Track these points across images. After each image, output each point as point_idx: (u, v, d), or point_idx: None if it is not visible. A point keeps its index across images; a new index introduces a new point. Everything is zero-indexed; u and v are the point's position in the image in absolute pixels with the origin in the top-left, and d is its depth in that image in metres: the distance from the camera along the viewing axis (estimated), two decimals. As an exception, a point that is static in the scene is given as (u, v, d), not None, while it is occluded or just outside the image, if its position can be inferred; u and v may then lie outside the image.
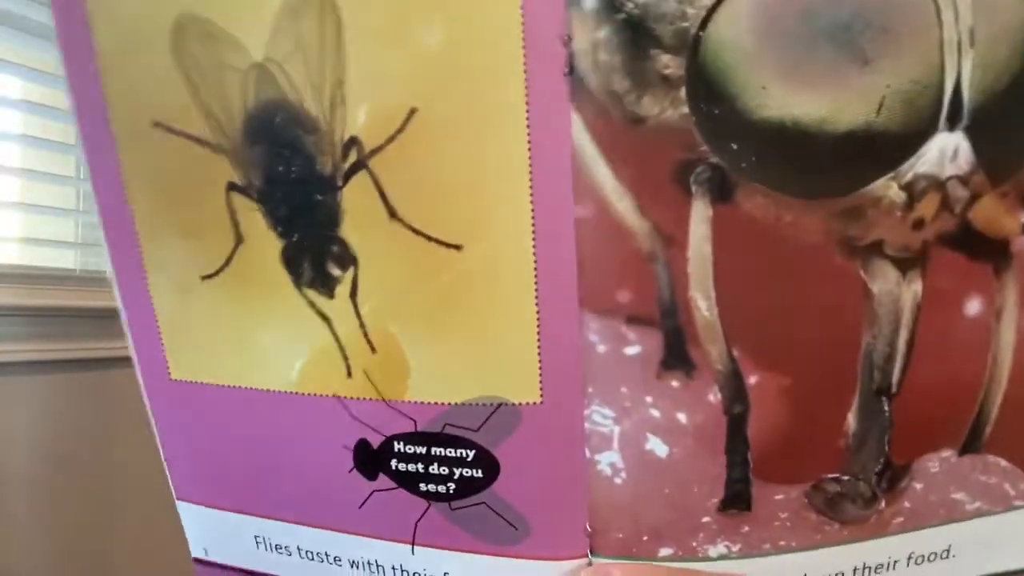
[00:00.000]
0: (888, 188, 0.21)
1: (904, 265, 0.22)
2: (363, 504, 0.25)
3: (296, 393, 0.24)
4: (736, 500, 0.23)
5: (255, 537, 0.28)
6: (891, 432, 0.23)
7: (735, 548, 0.23)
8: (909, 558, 0.25)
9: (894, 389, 0.22)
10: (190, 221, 0.24)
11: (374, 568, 0.26)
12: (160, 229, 0.24)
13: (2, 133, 0.89)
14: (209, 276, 0.24)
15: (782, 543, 0.23)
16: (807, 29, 0.20)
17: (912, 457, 0.24)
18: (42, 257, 0.99)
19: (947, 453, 0.24)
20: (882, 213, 0.21)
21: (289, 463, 0.26)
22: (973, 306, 0.23)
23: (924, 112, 0.20)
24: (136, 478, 1.03)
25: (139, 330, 0.26)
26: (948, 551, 0.25)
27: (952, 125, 0.20)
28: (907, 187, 0.21)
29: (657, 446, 0.22)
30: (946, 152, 0.21)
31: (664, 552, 0.23)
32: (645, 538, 0.23)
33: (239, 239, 0.23)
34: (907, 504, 0.24)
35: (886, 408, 0.23)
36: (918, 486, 0.24)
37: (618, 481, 0.23)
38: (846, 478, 0.23)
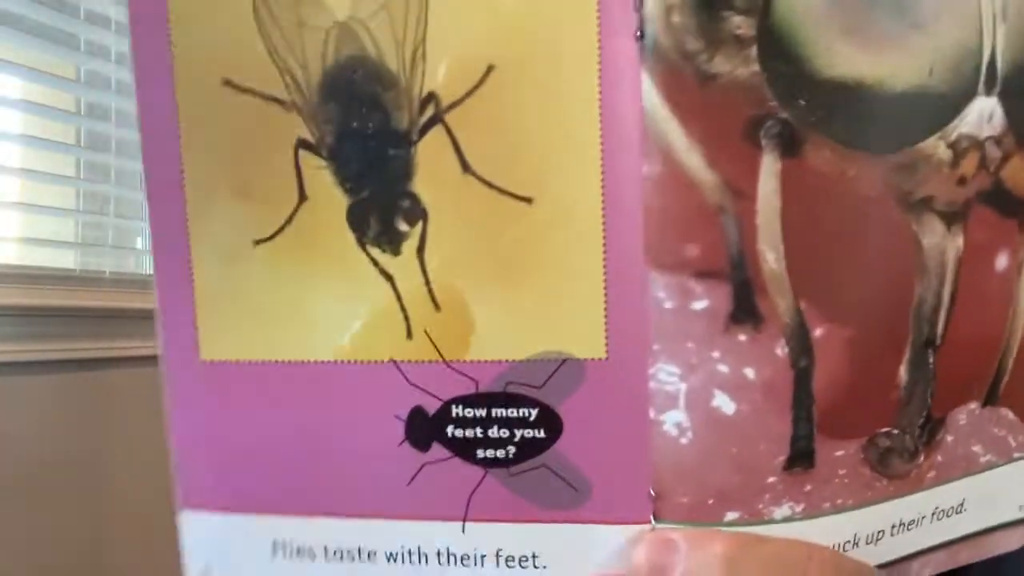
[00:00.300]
0: (937, 146, 0.22)
1: (949, 220, 0.23)
2: (411, 480, 0.24)
3: (347, 362, 0.24)
4: (801, 458, 0.23)
5: (274, 542, 0.26)
6: (934, 385, 0.23)
7: (798, 509, 0.23)
8: (933, 513, 0.25)
9: (938, 341, 0.23)
10: (249, 182, 0.24)
11: (416, 557, 0.25)
12: (213, 193, 0.24)
13: (2, 133, 0.87)
14: (264, 240, 0.24)
15: (839, 501, 0.23)
16: (867, -5, 0.21)
17: (947, 410, 0.24)
18: (42, 257, 0.95)
19: (973, 406, 0.25)
20: (932, 169, 0.22)
21: (329, 444, 0.25)
22: (1002, 261, 0.24)
23: (967, 76, 0.22)
24: (135, 478, 0.98)
25: (171, 308, 0.25)
26: (962, 505, 0.26)
27: (989, 90, 0.22)
28: (952, 145, 0.22)
29: (724, 403, 0.22)
30: (984, 114, 0.22)
31: (730, 516, 0.23)
32: (711, 501, 0.23)
33: (303, 197, 0.23)
34: (939, 458, 0.25)
35: (931, 360, 0.23)
36: (949, 439, 0.25)
37: (684, 441, 0.23)
38: (896, 432, 0.23)
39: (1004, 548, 0.28)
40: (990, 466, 0.26)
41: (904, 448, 0.24)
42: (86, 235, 0.99)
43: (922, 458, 0.24)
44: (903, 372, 0.24)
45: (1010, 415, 0.26)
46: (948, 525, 0.26)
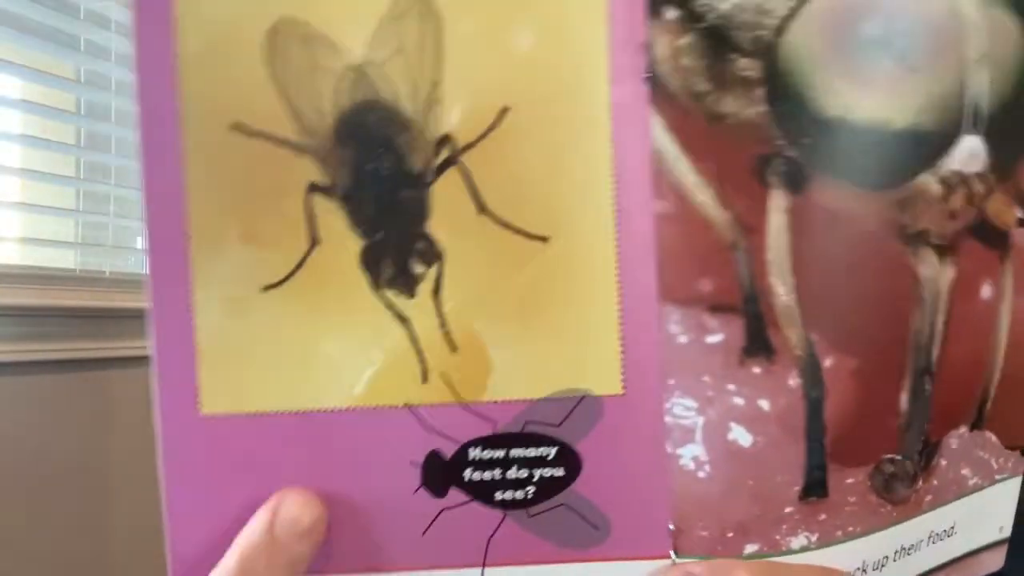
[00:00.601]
0: (929, 182, 0.23)
1: (942, 252, 0.24)
2: (428, 528, 0.23)
3: (360, 408, 0.23)
4: (815, 487, 0.23)
5: None
6: (930, 411, 0.24)
7: (814, 538, 0.23)
8: (929, 537, 0.26)
9: (933, 369, 0.24)
10: (258, 226, 0.23)
11: None
12: (218, 238, 0.23)
13: (2, 133, 0.83)
14: (272, 285, 0.23)
15: (850, 529, 0.24)
16: (866, 39, 0.22)
17: (942, 435, 0.25)
18: (42, 257, 0.91)
19: (963, 430, 0.25)
20: (926, 204, 0.23)
21: (341, 497, 0.24)
22: (986, 290, 0.25)
23: (955, 115, 0.23)
24: (135, 478, 0.94)
25: (169, 359, 0.24)
26: (953, 528, 0.26)
27: (975, 128, 0.23)
28: (943, 181, 0.23)
29: (741, 435, 0.23)
30: (970, 152, 0.23)
31: (749, 548, 0.23)
32: (730, 534, 0.23)
33: (314, 241, 0.23)
34: (935, 482, 0.25)
35: (927, 388, 0.24)
36: (943, 463, 0.25)
37: (701, 475, 0.23)
38: (899, 458, 0.24)
39: (988, 569, 0.29)
40: (976, 488, 0.27)
41: (906, 473, 0.24)
42: (86, 235, 0.96)
43: (920, 482, 0.25)
44: (903, 399, 0.24)
45: (993, 438, 0.27)
46: (941, 548, 0.27)
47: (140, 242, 1.05)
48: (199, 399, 0.24)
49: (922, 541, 0.26)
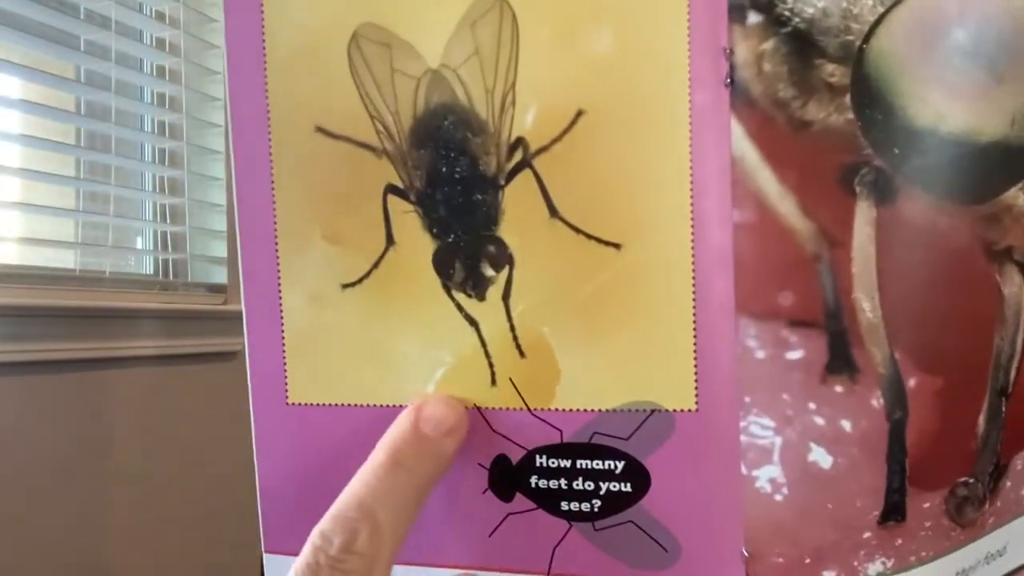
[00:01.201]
0: (1018, 197, 0.21)
1: None
2: (494, 531, 0.23)
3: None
4: (894, 511, 0.21)
5: None
6: (1003, 432, 0.22)
7: (889, 564, 0.22)
8: (985, 558, 0.24)
9: (1010, 389, 0.22)
10: (339, 226, 0.23)
11: None
12: (303, 237, 0.24)
13: (2, 133, 0.87)
14: (351, 284, 0.23)
15: (923, 553, 0.22)
16: (955, 47, 0.21)
17: (1011, 456, 0.23)
18: (42, 257, 0.94)
19: None
20: (1013, 220, 0.22)
21: None
22: None
23: None
24: (135, 478, 0.96)
25: (261, 353, 0.25)
26: (1004, 548, 0.25)
27: None
28: None
29: (821, 457, 0.21)
30: None
31: (826, 575, 0.21)
32: (807, 560, 0.21)
33: (390, 242, 0.23)
34: (999, 503, 0.23)
35: (1003, 408, 0.22)
36: (1008, 484, 0.23)
37: (778, 498, 0.21)
38: (972, 480, 0.22)
39: None
40: None
41: (976, 496, 0.23)
42: (86, 235, 0.98)
43: (987, 505, 0.23)
44: (981, 421, 0.23)
45: None
46: (994, 568, 0.25)
47: (140, 242, 1.07)
48: (287, 389, 0.24)
49: (980, 562, 0.24)
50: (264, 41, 0.23)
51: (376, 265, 0.23)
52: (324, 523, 0.21)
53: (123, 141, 1.01)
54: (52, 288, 0.89)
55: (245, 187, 0.24)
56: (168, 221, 1.08)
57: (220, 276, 1.13)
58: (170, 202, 1.07)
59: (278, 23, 0.23)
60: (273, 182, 0.23)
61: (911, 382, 0.21)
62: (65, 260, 0.97)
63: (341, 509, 0.21)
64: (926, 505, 0.22)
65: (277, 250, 0.24)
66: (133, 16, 1.00)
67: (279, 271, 0.24)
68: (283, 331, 0.24)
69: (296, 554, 0.24)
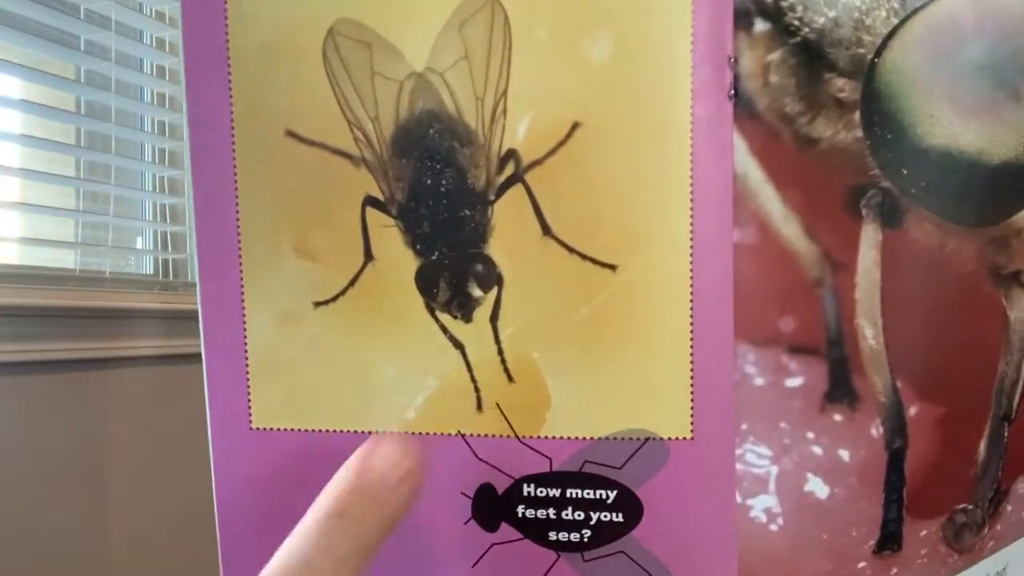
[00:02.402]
0: None
1: None
2: (477, 562, 0.21)
3: (413, 434, 0.21)
4: (890, 540, 0.21)
5: None
6: (1005, 458, 0.22)
7: (887, 596, 0.21)
8: None
9: (1013, 415, 0.21)
10: (311, 239, 0.21)
11: None
12: (271, 250, 0.21)
13: (2, 133, 0.82)
14: (324, 302, 0.21)
15: (921, 585, 0.21)
16: (970, 63, 0.19)
17: (1012, 481, 0.23)
18: (42, 257, 0.90)
19: None
20: (1022, 243, 0.20)
21: None
22: None
23: None
24: (134, 479, 0.94)
25: (220, 373, 0.22)
26: (1004, 570, 0.24)
27: None
28: None
29: (818, 487, 0.20)
30: None
31: (819, 605, 0.20)
32: (800, 590, 0.20)
33: (368, 258, 0.21)
34: (999, 527, 0.23)
35: (1005, 434, 0.21)
36: (1008, 508, 0.23)
37: (774, 528, 0.20)
38: (971, 507, 0.21)
39: None
40: None
41: (975, 522, 0.22)
42: (86, 235, 0.94)
43: (987, 530, 0.22)
44: (982, 447, 0.22)
45: None
46: None
47: (140, 242, 1.03)
48: (251, 414, 0.22)
49: None
50: (227, 33, 0.21)
51: (353, 282, 0.21)
52: None
53: (123, 141, 0.97)
54: (52, 288, 0.85)
55: (204, 195, 0.21)
56: (168, 221, 1.04)
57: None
58: (170, 202, 1.03)
59: (244, 14, 0.20)
60: (237, 190, 0.21)
61: (912, 410, 0.20)
62: (65, 260, 0.93)
63: (284, 565, 0.19)
64: (923, 533, 0.21)
65: (240, 264, 0.21)
66: (133, 16, 0.95)
67: (243, 287, 0.21)
68: (246, 351, 0.22)
69: None
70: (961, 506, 0.22)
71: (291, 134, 0.21)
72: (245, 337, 0.22)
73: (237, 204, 0.21)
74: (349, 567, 0.18)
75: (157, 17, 1.00)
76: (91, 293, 0.91)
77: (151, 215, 1.04)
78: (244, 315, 0.21)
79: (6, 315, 0.79)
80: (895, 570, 0.21)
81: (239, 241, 0.21)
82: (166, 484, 0.97)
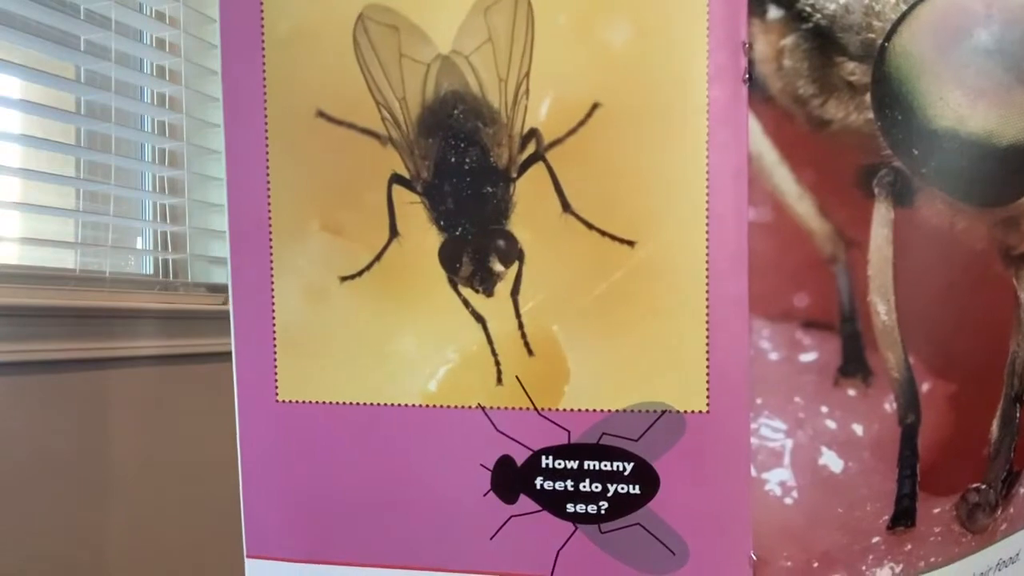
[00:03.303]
0: None
1: None
2: (496, 534, 0.21)
3: (433, 406, 0.22)
4: (904, 516, 0.21)
5: None
6: (1017, 439, 0.22)
7: (898, 569, 0.21)
8: (997, 565, 0.23)
9: None
10: (339, 216, 0.22)
11: None
12: (300, 226, 0.22)
13: (2, 133, 0.83)
14: (351, 277, 0.22)
15: (932, 559, 0.21)
16: (979, 47, 0.20)
17: None
18: (42, 257, 0.91)
19: None
20: None
21: (410, 492, 0.22)
22: None
23: None
24: (134, 479, 0.93)
25: (248, 346, 0.23)
26: (1018, 555, 0.24)
27: None
28: None
29: (832, 461, 0.20)
30: None
31: (833, 579, 0.20)
32: (815, 564, 0.20)
33: (394, 234, 0.21)
34: (1011, 510, 0.23)
35: (1017, 415, 0.22)
36: (1022, 491, 0.23)
37: (788, 501, 0.20)
38: (984, 487, 0.21)
39: None
40: None
41: (988, 503, 0.22)
42: (86, 235, 0.95)
43: (999, 511, 0.22)
44: (994, 427, 0.22)
45: None
46: (1007, 575, 0.24)
47: (140, 242, 1.04)
48: (277, 386, 0.23)
49: (991, 569, 0.24)
50: (263, 17, 0.21)
51: (378, 257, 0.21)
52: None
53: (123, 141, 0.98)
54: (52, 288, 0.86)
55: (237, 172, 0.22)
56: (168, 221, 1.05)
57: (220, 276, 1.09)
58: (170, 202, 1.04)
59: (279, 1, 0.21)
60: (268, 167, 0.22)
61: (924, 387, 0.21)
62: (65, 260, 0.94)
63: None
64: (936, 511, 0.21)
65: (271, 239, 0.22)
66: (133, 16, 0.97)
67: (272, 262, 0.22)
68: (274, 324, 0.22)
69: (280, 560, 0.23)
70: (975, 485, 0.22)
71: (321, 114, 0.21)
72: (273, 311, 0.22)
73: (268, 182, 0.22)
74: None
75: (157, 17, 1.00)
76: (91, 293, 0.91)
77: (151, 215, 1.04)
78: (273, 290, 0.22)
79: (6, 315, 0.79)
80: (909, 546, 0.21)
81: (269, 217, 0.22)
82: (166, 484, 0.97)
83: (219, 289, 1.08)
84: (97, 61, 0.91)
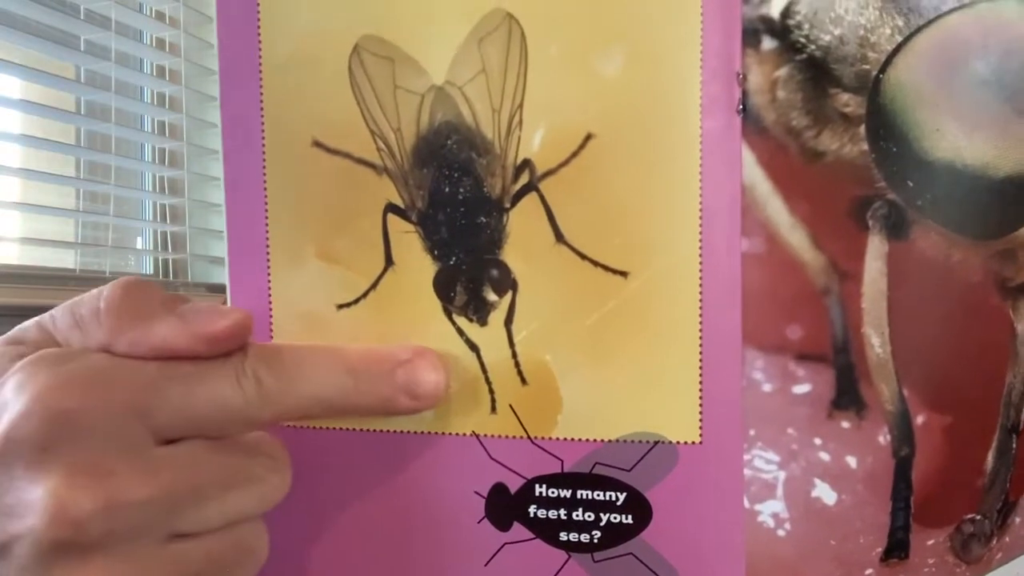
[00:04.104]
0: None
1: None
2: (490, 561, 0.21)
3: (428, 433, 0.22)
4: (897, 548, 0.21)
5: None
6: (1013, 470, 0.21)
7: (895, 604, 0.21)
8: None
9: (1021, 426, 0.21)
10: (334, 244, 0.22)
11: None
12: (297, 254, 0.22)
13: (2, 133, 0.83)
14: (346, 304, 0.22)
15: (929, 595, 0.21)
16: (976, 78, 0.20)
17: (1020, 493, 0.22)
18: (42, 257, 0.91)
19: None
20: None
21: (405, 517, 0.22)
22: None
23: None
24: None
25: None
26: None
27: None
28: None
29: (825, 493, 0.20)
30: None
31: (826, 611, 0.20)
32: (807, 595, 0.20)
33: (389, 262, 0.21)
34: (1007, 539, 0.23)
35: (1014, 446, 0.21)
36: (1017, 520, 0.23)
37: (781, 533, 0.20)
38: (979, 517, 0.21)
39: None
40: None
41: (983, 533, 0.22)
42: (86, 235, 0.95)
43: (995, 541, 0.22)
44: (990, 458, 0.22)
45: None
46: None
47: (140, 242, 1.04)
48: None
49: None
50: (260, 47, 0.21)
51: (374, 286, 0.21)
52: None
53: (123, 141, 0.98)
54: (52, 288, 0.86)
55: (236, 200, 0.22)
56: (168, 221, 1.05)
57: (220, 276, 1.10)
58: (170, 202, 1.04)
59: (276, 29, 0.21)
60: (266, 196, 0.22)
61: (919, 419, 0.20)
62: (65, 260, 0.95)
63: None
64: (930, 542, 0.21)
65: (268, 266, 0.22)
66: (133, 16, 0.97)
67: (270, 288, 0.22)
68: None
69: None
70: (969, 516, 0.21)
71: (317, 143, 0.21)
72: (271, 336, 0.22)
73: (266, 210, 0.22)
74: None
75: (157, 17, 1.01)
76: None
77: (151, 215, 1.04)
78: (271, 315, 0.22)
79: (6, 315, 0.80)
80: None
81: (267, 245, 0.22)
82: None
83: (219, 289, 1.08)
84: (97, 61, 0.92)
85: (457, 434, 0.22)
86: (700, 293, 0.20)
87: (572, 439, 0.21)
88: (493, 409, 0.21)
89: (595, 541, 0.21)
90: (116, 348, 0.18)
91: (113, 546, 0.17)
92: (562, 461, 0.21)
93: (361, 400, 0.20)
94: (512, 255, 0.21)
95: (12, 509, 0.17)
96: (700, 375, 0.20)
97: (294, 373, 0.19)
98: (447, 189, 0.21)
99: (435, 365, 0.20)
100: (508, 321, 0.21)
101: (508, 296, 0.21)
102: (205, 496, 0.18)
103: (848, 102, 0.20)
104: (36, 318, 0.20)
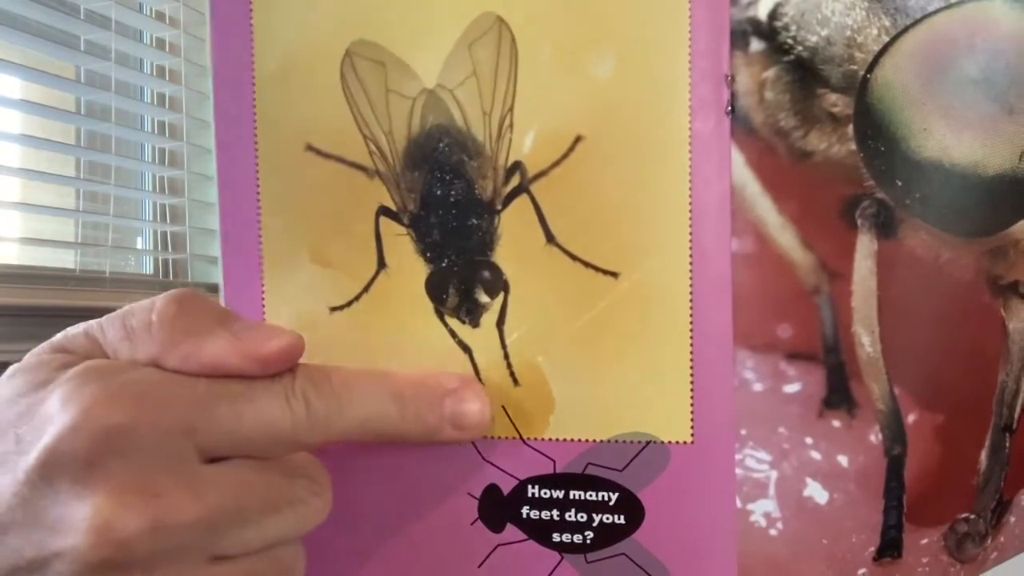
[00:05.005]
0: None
1: None
2: (483, 562, 0.21)
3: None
4: (891, 548, 0.21)
5: None
6: (1008, 469, 0.21)
7: (887, 604, 0.21)
8: None
9: (1015, 426, 0.21)
10: (327, 248, 0.22)
11: None
12: (290, 258, 0.22)
13: (2, 133, 0.83)
14: (339, 307, 0.22)
15: (924, 594, 0.21)
16: (964, 77, 0.20)
17: (1015, 492, 0.22)
18: (42, 257, 0.91)
19: None
20: (1020, 253, 0.20)
21: (398, 519, 0.22)
22: None
23: None
24: None
25: None
26: None
27: None
28: None
29: (817, 492, 0.20)
30: None
31: (819, 611, 0.20)
32: (800, 595, 0.20)
33: (381, 265, 0.21)
34: (1002, 538, 0.23)
35: (1007, 445, 0.21)
36: (1012, 520, 0.22)
37: (773, 532, 0.20)
38: (973, 517, 0.21)
39: None
40: None
41: (977, 532, 0.22)
42: (86, 235, 0.95)
43: (990, 540, 0.22)
44: (983, 457, 0.22)
45: None
46: None
47: (140, 242, 1.04)
48: None
49: None
50: (253, 54, 0.22)
51: (367, 288, 0.21)
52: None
53: (123, 141, 0.98)
54: (52, 288, 0.86)
55: (230, 205, 0.22)
56: (168, 221, 1.05)
57: (220, 276, 1.10)
58: (170, 202, 1.04)
59: (268, 36, 0.21)
60: (259, 201, 0.22)
61: (911, 418, 0.20)
62: (65, 260, 0.94)
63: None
64: (924, 541, 0.21)
65: (262, 270, 0.22)
66: (133, 16, 0.97)
67: (263, 292, 0.22)
68: None
69: None
70: (963, 515, 0.21)
71: (310, 148, 0.21)
72: None
73: (259, 213, 0.22)
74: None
75: (157, 17, 1.01)
76: (91, 293, 0.91)
77: (151, 215, 1.04)
78: (264, 319, 0.22)
79: (6, 315, 0.79)
80: None
81: (260, 248, 0.22)
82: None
83: (219, 289, 1.08)
84: (97, 61, 0.92)
85: None
86: (691, 293, 0.20)
87: (564, 439, 0.21)
88: (485, 410, 0.21)
89: (588, 542, 0.21)
90: (166, 363, 0.18)
91: (155, 567, 0.16)
92: (554, 461, 0.21)
93: (407, 428, 0.19)
94: (504, 257, 0.21)
95: (54, 525, 0.16)
96: (691, 375, 0.20)
97: (343, 397, 0.19)
98: (439, 192, 0.21)
99: (480, 394, 0.20)
100: (500, 322, 0.21)
101: (500, 298, 0.21)
102: (249, 519, 0.17)
103: (836, 102, 0.20)
104: (83, 325, 0.19)
